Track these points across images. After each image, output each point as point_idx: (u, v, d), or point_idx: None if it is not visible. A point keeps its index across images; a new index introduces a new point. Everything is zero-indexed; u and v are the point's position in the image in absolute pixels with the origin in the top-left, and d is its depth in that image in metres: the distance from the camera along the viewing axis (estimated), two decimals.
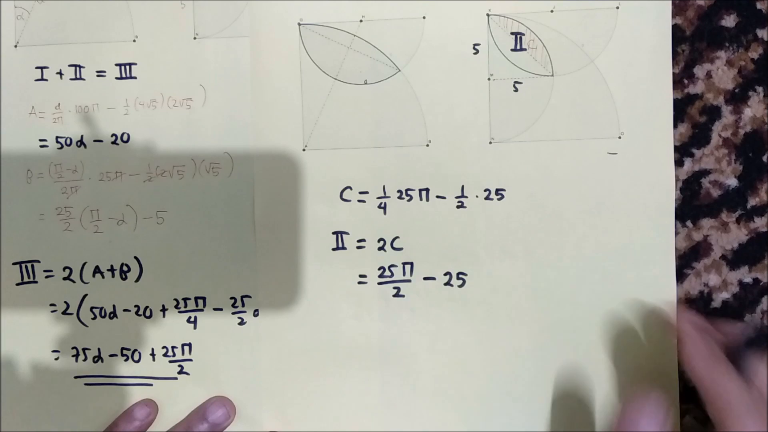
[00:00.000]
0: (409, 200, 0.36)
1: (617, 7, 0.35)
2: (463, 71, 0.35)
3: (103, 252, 0.37)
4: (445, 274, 0.36)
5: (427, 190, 0.36)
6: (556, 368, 0.36)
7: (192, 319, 0.37)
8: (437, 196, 0.36)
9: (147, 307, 0.37)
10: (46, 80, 0.37)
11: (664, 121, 0.35)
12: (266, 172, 0.36)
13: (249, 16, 0.36)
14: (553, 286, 0.36)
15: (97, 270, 0.37)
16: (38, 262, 0.37)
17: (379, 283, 0.36)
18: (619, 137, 0.35)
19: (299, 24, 0.36)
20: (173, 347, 0.37)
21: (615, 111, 0.35)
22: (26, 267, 0.37)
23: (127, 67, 0.36)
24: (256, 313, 0.36)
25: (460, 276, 0.36)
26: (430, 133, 0.36)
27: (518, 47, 0.35)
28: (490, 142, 0.35)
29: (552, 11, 0.35)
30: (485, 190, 0.36)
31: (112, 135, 0.37)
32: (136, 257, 0.37)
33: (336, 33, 0.36)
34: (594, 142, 0.35)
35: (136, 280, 0.37)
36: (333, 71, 0.36)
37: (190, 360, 0.37)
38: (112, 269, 0.37)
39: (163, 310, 0.37)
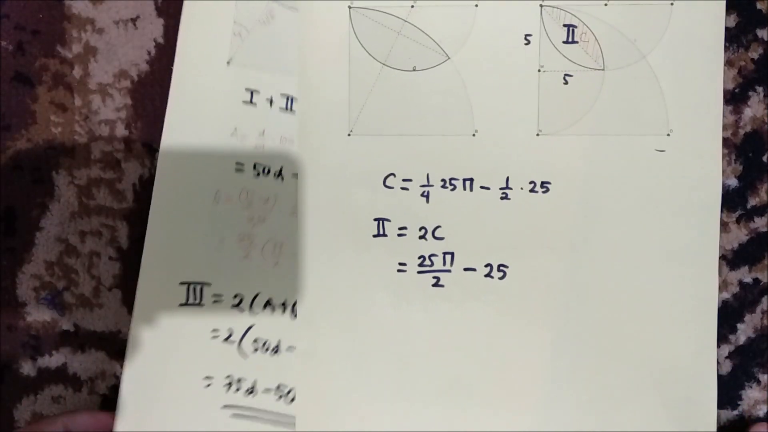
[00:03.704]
0: (452, 190, 0.36)
1: (671, 4, 0.34)
2: (514, 62, 0.35)
3: (279, 286, 0.36)
4: (486, 266, 0.36)
5: (472, 180, 0.36)
6: (594, 366, 0.36)
7: None
8: (481, 187, 0.35)
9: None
10: (254, 104, 0.36)
11: (713, 119, 0.35)
12: (310, 156, 0.36)
13: None
14: (595, 283, 0.35)
15: (268, 303, 0.36)
16: (209, 285, 0.36)
17: (419, 272, 0.36)
18: (668, 134, 0.35)
19: (350, 6, 0.35)
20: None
21: (665, 108, 0.35)
22: (194, 288, 0.36)
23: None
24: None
25: (501, 268, 0.36)
26: (477, 123, 0.35)
27: (570, 39, 0.35)
28: (538, 135, 0.35)
29: (606, 4, 0.35)
30: (530, 183, 0.35)
31: None
32: None
33: (386, 17, 0.35)
34: (642, 138, 0.35)
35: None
36: (382, 56, 0.35)
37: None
38: (284, 305, 0.36)
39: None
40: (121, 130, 0.37)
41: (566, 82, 0.35)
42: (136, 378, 0.36)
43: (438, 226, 0.36)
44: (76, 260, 0.38)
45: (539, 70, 0.35)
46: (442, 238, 0.36)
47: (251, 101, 0.35)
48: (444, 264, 0.36)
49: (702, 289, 0.35)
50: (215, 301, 0.36)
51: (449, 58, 0.35)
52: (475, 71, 0.35)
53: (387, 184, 0.36)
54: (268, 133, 0.35)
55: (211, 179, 0.35)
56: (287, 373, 0.36)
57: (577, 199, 0.35)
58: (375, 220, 0.36)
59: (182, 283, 0.36)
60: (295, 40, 0.35)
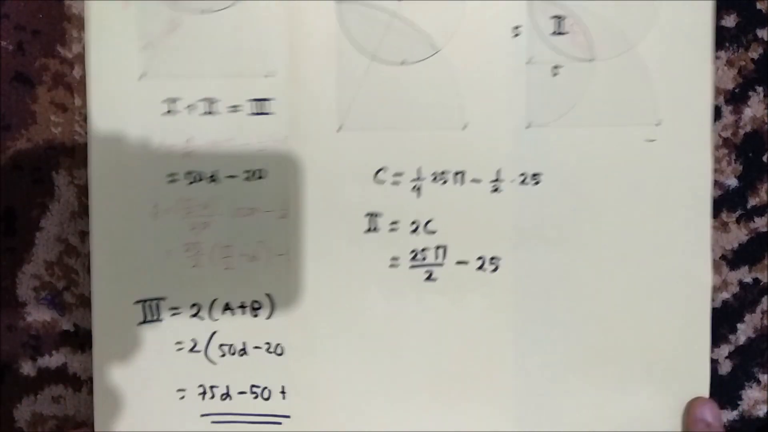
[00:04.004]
0: (443, 183, 0.36)
1: None
2: (502, 54, 0.35)
3: (233, 289, 0.36)
4: (478, 259, 0.36)
5: (463, 173, 0.35)
6: (587, 358, 0.36)
7: None
8: (472, 180, 0.35)
9: (278, 344, 0.36)
10: (175, 114, 0.35)
11: (703, 108, 0.35)
12: (300, 151, 0.35)
13: None
14: (587, 273, 0.35)
15: (227, 307, 0.36)
16: (164, 299, 0.36)
17: (411, 267, 0.36)
18: (657, 124, 0.35)
19: (337, 1, 0.35)
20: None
21: (654, 98, 0.35)
22: (149, 305, 0.36)
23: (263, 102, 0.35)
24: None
25: (494, 261, 0.36)
26: (467, 116, 0.35)
27: (559, 31, 0.35)
28: (527, 127, 0.35)
29: None
30: (521, 175, 0.35)
31: (246, 171, 0.36)
32: (267, 294, 0.36)
33: (374, 11, 0.35)
34: (632, 128, 0.35)
35: (267, 318, 0.36)
36: (370, 50, 0.35)
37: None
38: (243, 306, 0.36)
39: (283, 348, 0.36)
40: None
41: (555, 74, 0.35)
42: (108, 403, 0.36)
43: (430, 220, 0.36)
44: (76, 260, 0.38)
45: (528, 62, 0.35)
46: (434, 232, 0.36)
47: (171, 111, 0.35)
48: (436, 258, 0.36)
49: (694, 279, 0.35)
50: (173, 314, 0.36)
51: (438, 51, 0.35)
52: (464, 64, 0.35)
53: (378, 178, 0.36)
54: (194, 140, 0.35)
55: (146, 194, 0.35)
56: (258, 372, 0.36)
57: (568, 190, 0.35)
58: (366, 215, 0.36)
59: (137, 302, 0.36)
60: (202, 43, 0.35)
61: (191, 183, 0.35)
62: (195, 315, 0.36)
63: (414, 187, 0.36)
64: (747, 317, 0.37)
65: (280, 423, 0.36)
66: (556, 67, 0.35)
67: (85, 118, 0.36)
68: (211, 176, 0.35)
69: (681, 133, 0.35)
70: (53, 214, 0.37)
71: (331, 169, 0.35)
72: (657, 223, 0.35)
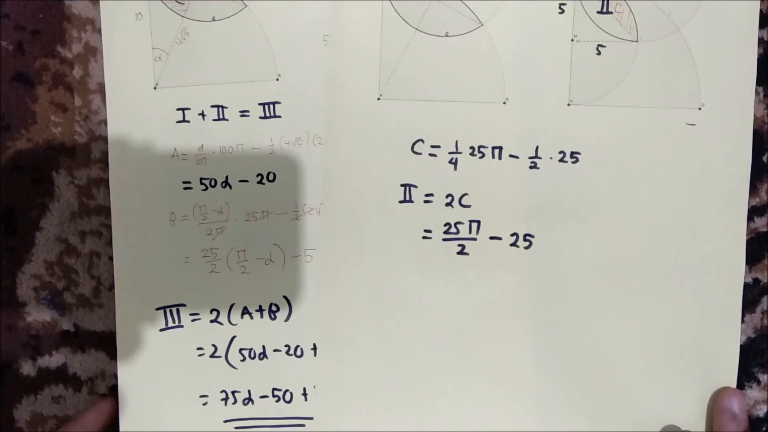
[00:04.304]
0: (481, 157, 0.35)
1: None
2: (547, 30, 0.35)
3: (251, 293, 0.36)
4: (512, 235, 0.36)
5: (501, 148, 0.35)
6: (619, 337, 0.35)
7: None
8: (510, 156, 0.35)
9: (298, 346, 0.36)
10: (188, 122, 0.36)
11: (745, 95, 0.35)
12: (339, 118, 0.35)
13: None
14: (620, 254, 0.35)
15: (245, 311, 0.36)
16: (184, 305, 0.36)
17: (444, 240, 0.36)
18: (700, 108, 0.35)
19: None
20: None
21: (697, 82, 0.35)
22: (171, 311, 0.36)
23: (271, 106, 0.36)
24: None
25: (527, 237, 0.36)
26: (508, 91, 0.35)
27: (605, 10, 0.35)
28: (569, 104, 0.35)
29: None
30: (560, 152, 0.35)
31: (258, 174, 0.36)
32: (285, 296, 0.36)
33: None
34: (673, 111, 0.35)
35: (285, 320, 0.36)
36: (415, 21, 0.35)
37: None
38: (260, 309, 0.36)
39: (314, 348, 0.36)
40: None
41: (599, 53, 0.35)
42: (134, 410, 0.36)
43: (465, 194, 0.36)
44: (76, 260, 0.37)
45: (572, 40, 0.35)
46: (468, 206, 0.36)
47: (184, 119, 0.36)
48: (470, 232, 0.36)
49: (729, 262, 0.35)
50: (194, 320, 0.36)
51: (482, 24, 0.35)
52: (507, 39, 0.35)
53: (415, 149, 0.35)
54: (206, 146, 0.36)
55: (163, 203, 0.36)
56: (279, 375, 0.36)
57: (606, 170, 0.35)
58: (402, 185, 0.36)
59: (158, 309, 0.36)
60: (212, 50, 0.35)
61: (205, 189, 0.36)
62: (214, 320, 0.36)
63: (451, 160, 0.35)
64: (747, 317, 0.37)
65: (303, 425, 0.36)
66: (600, 45, 0.35)
67: (85, 118, 0.36)
68: (224, 182, 0.36)
69: (722, 118, 0.35)
70: (53, 214, 0.37)
71: (368, 138, 0.35)
72: (693, 207, 0.35)
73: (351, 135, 0.35)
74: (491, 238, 0.36)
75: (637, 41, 0.35)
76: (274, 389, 0.36)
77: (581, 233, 0.35)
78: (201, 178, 0.36)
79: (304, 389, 0.36)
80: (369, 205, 0.36)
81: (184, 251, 0.36)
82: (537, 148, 0.35)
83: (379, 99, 0.35)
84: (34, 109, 0.37)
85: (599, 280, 0.35)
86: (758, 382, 0.37)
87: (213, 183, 0.36)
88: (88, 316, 0.38)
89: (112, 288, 0.37)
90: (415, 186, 0.36)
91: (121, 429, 0.36)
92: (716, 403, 0.35)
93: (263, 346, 0.36)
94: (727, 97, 0.35)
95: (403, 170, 0.36)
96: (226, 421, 0.36)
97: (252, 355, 0.36)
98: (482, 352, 0.36)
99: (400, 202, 0.36)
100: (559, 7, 0.35)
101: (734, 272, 0.35)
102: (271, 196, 0.36)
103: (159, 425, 0.36)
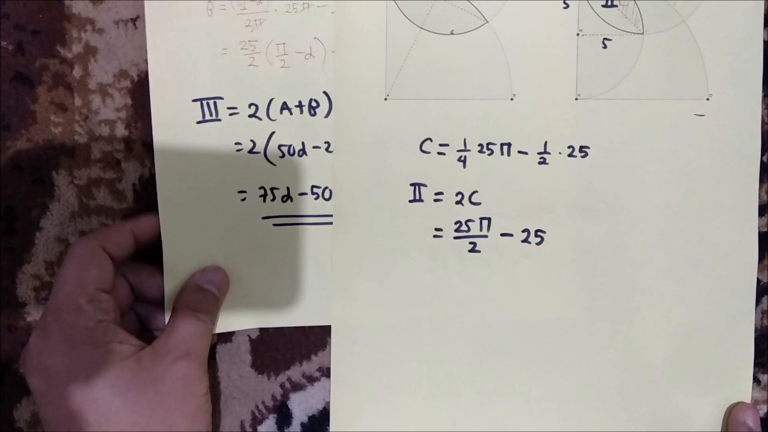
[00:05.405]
0: (489, 154, 0.35)
1: None
2: (552, 25, 0.35)
3: (290, 87, 0.35)
4: (523, 231, 0.36)
5: (509, 144, 0.35)
6: (631, 330, 0.35)
7: None
8: (519, 152, 0.35)
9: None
10: None
11: (753, 84, 0.35)
12: (347, 120, 0.35)
13: None
14: (633, 248, 0.35)
15: (284, 106, 0.35)
16: (221, 99, 0.35)
17: (455, 238, 0.36)
18: (707, 99, 0.35)
19: None
20: None
21: (704, 72, 0.35)
22: (207, 104, 0.35)
23: None
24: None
25: (539, 233, 0.35)
26: (515, 87, 0.35)
27: (609, 3, 0.35)
28: (576, 99, 0.35)
29: None
30: (569, 147, 0.35)
31: None
32: (325, 92, 0.35)
33: None
34: (681, 102, 0.35)
35: (326, 116, 0.35)
36: (419, 20, 0.35)
37: None
38: (300, 105, 0.35)
39: None
40: (121, 130, 0.36)
41: (605, 46, 0.35)
42: (171, 200, 0.35)
43: (475, 191, 0.36)
44: None
45: (578, 34, 0.35)
46: (478, 204, 0.36)
47: None
48: (481, 229, 0.36)
49: (740, 253, 0.35)
50: (231, 114, 0.35)
51: (487, 21, 0.35)
52: (513, 35, 0.35)
53: (424, 148, 0.35)
54: None
55: None
56: (318, 172, 0.35)
57: (615, 163, 0.35)
58: (411, 185, 0.36)
59: (195, 100, 0.35)
60: None
61: None
62: (253, 115, 0.35)
63: (460, 157, 0.35)
64: None
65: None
66: (606, 39, 0.35)
67: (85, 118, 0.36)
68: None
69: (731, 108, 0.35)
70: (53, 214, 0.37)
71: (377, 138, 0.35)
72: (703, 199, 0.35)
73: (359, 136, 0.35)
74: (502, 234, 0.36)
75: (642, 33, 0.35)
76: (313, 186, 0.36)
77: (592, 228, 0.35)
78: None
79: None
80: (379, 206, 0.36)
81: (222, 42, 0.35)
82: (546, 143, 0.35)
83: (386, 99, 0.35)
84: (34, 109, 0.36)
85: (612, 274, 0.35)
86: (758, 382, 0.37)
87: None
88: None
89: None
90: (424, 185, 0.36)
91: (160, 213, 0.35)
92: (732, 417, 0.35)
93: (302, 143, 0.35)
94: (735, 87, 0.35)
95: (413, 169, 0.35)
96: (264, 218, 0.36)
97: (291, 152, 0.35)
98: (498, 349, 0.36)
99: (410, 201, 0.36)
100: (564, 2, 0.35)
101: (747, 262, 0.35)
102: None
103: (197, 219, 0.35)
